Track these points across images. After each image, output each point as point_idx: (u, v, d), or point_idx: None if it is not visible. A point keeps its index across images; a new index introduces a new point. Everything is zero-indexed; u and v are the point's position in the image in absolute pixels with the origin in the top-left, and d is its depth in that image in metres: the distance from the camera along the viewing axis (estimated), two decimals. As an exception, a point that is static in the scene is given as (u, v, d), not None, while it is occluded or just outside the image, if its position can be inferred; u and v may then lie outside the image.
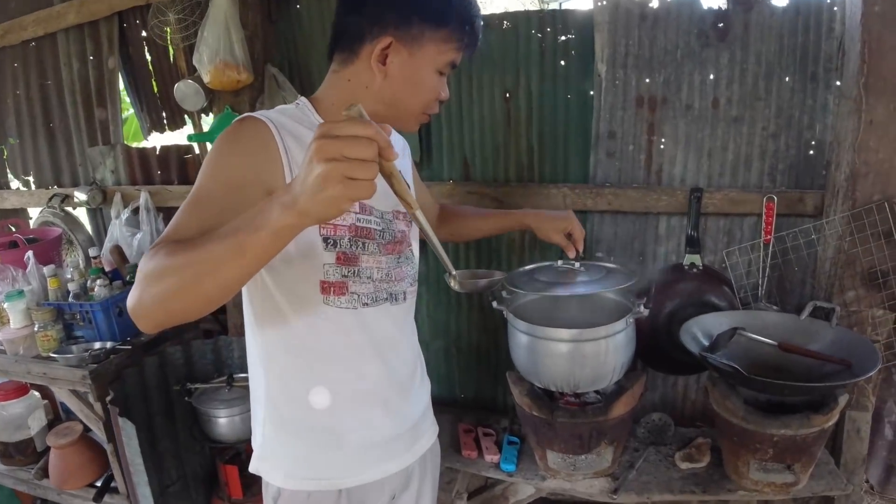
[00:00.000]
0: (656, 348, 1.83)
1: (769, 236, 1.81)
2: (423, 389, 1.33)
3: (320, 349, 1.11)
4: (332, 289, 1.07)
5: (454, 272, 1.02)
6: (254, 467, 1.22)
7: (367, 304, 1.12)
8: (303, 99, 1.12)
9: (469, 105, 1.98)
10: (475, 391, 2.28)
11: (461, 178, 2.04)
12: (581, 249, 1.47)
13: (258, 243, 0.74)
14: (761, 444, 1.43)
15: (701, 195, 1.81)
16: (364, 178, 0.67)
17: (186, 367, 2.21)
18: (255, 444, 1.23)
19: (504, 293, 1.56)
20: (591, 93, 1.88)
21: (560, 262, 1.49)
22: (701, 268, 1.83)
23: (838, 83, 1.73)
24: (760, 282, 1.84)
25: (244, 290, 1.12)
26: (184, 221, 0.89)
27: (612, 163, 1.91)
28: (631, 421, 1.60)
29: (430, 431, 1.34)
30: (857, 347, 1.51)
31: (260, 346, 1.15)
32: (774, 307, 1.84)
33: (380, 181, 0.70)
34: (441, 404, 2.29)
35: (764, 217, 1.81)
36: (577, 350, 1.45)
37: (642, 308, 1.45)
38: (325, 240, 1.05)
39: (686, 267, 1.84)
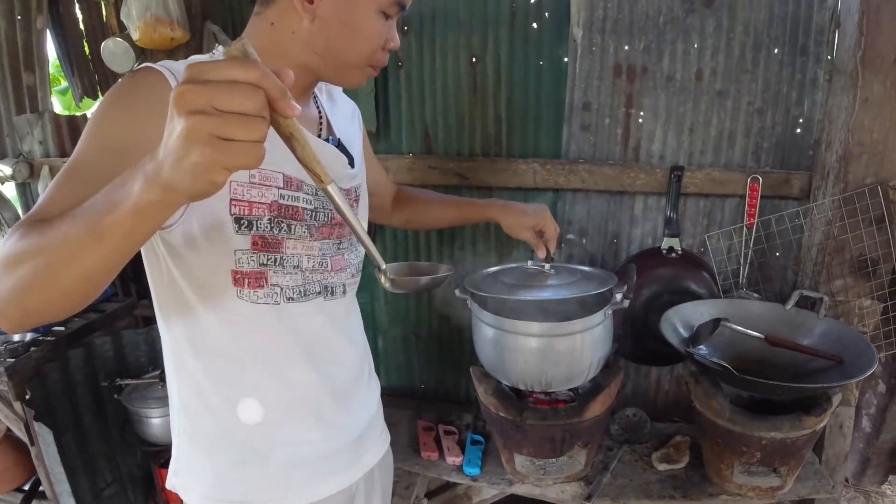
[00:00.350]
0: (631, 338, 1.70)
1: (753, 219, 1.69)
2: (369, 395, 1.15)
3: (235, 352, 0.93)
4: (246, 280, 0.88)
5: (384, 266, 0.84)
6: (170, 483, 1.03)
7: (292, 299, 0.94)
8: (220, 49, 0.92)
9: (431, 70, 1.79)
10: (436, 382, 2.12)
11: (422, 152, 1.86)
12: (553, 250, 1.32)
13: (118, 225, 0.56)
14: (748, 447, 1.31)
15: (682, 174, 1.68)
16: (245, 139, 0.49)
17: (117, 360, 1.99)
18: (172, 456, 1.04)
19: (457, 292, 1.39)
20: (566, 59, 1.72)
21: (530, 263, 1.33)
22: (680, 252, 1.70)
23: (829, 57, 1.61)
24: (742, 268, 1.72)
25: (148, 275, 0.93)
26: (54, 196, 0.69)
27: (586, 137, 1.75)
28: (607, 420, 1.46)
29: (379, 442, 1.17)
30: (848, 341, 1.40)
31: (169, 346, 0.96)
32: (755, 295, 1.72)
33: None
34: (399, 396, 2.15)
35: (747, 199, 1.69)
36: (549, 346, 1.29)
37: (621, 298, 1.30)
38: (238, 220, 0.85)
39: (664, 251, 1.71)
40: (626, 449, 1.59)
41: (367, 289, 2.02)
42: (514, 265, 1.40)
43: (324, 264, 0.97)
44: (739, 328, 1.43)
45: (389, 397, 2.19)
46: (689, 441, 1.56)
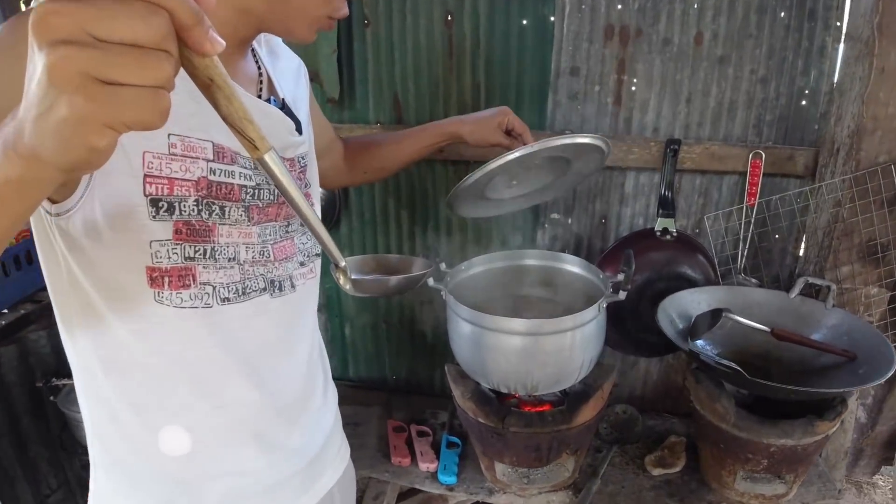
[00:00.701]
0: (619, 328, 1.56)
1: (754, 199, 1.55)
2: (325, 410, 0.99)
3: (156, 368, 0.74)
4: (166, 279, 0.70)
5: (342, 263, 0.67)
6: None
7: (227, 300, 0.75)
8: None
9: (401, 30, 1.58)
10: (409, 374, 1.96)
11: (391, 121, 1.66)
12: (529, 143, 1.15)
13: None
14: (754, 453, 1.18)
15: (678, 148, 1.52)
16: (137, 83, 0.33)
17: (55, 357, 1.78)
18: (90, 490, 0.87)
19: (431, 281, 1.21)
20: (552, 19, 1.53)
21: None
22: (675, 234, 1.55)
23: (838, 24, 1.46)
24: (741, 252, 1.58)
25: (44, 273, 0.74)
26: None
27: (573, 106, 1.58)
28: (597, 424, 1.31)
29: (337, 460, 1.01)
30: (860, 335, 1.28)
31: (75, 361, 0.78)
32: (754, 281, 1.59)
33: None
34: (368, 389, 1.99)
35: (748, 176, 1.55)
36: (535, 345, 1.13)
37: (618, 291, 1.15)
38: (155, 203, 0.66)
39: (658, 233, 1.56)
40: (616, 450, 1.46)
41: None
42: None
43: (265, 254, 0.79)
44: (744, 321, 1.29)
45: (357, 391, 2.05)
46: (684, 442, 1.43)
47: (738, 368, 1.08)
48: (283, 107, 0.84)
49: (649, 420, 1.59)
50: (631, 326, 1.57)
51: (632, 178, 1.63)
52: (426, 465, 1.42)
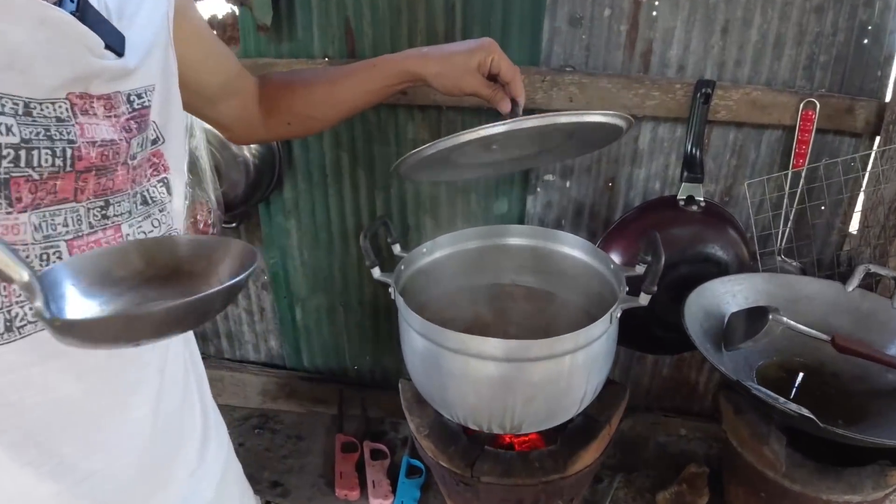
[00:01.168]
0: (628, 321, 1.23)
1: (803, 161, 1.21)
2: (203, 473, 0.70)
3: None
4: None
5: (24, 276, 0.34)
6: None
7: None
8: None
9: (352, -68, 1.19)
10: (372, 365, 1.65)
11: (341, 54, 1.28)
12: (521, 96, 0.86)
13: None
14: (808, 511, 0.88)
15: (712, 92, 1.17)
16: None
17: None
18: None
19: (376, 272, 0.88)
20: (551, -84, 1.14)
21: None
22: (702, 204, 1.21)
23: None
24: (782, 229, 1.25)
25: None
26: None
27: (576, 34, 1.21)
28: (601, 464, 1.00)
29: None
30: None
31: None
32: (795, 263, 1.27)
33: None
34: (322, 381, 1.68)
35: (798, 132, 1.20)
36: (517, 374, 0.80)
37: (638, 292, 0.82)
38: None
39: (681, 202, 1.21)
40: (620, 480, 1.16)
41: (279, 245, 1.51)
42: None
43: (54, 256, 0.47)
44: (799, 326, 0.96)
45: (312, 384, 1.73)
46: (707, 474, 1.12)
47: (812, 417, 0.76)
48: (83, 7, 0.48)
49: (659, 436, 1.28)
50: (641, 319, 1.24)
51: (648, 131, 1.27)
52: (379, 501, 1.12)
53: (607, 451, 0.95)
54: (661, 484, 1.14)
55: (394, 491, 1.12)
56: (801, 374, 1.08)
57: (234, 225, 1.48)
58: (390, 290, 0.88)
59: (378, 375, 1.65)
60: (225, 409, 1.46)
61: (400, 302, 0.83)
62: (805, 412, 0.76)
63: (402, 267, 0.95)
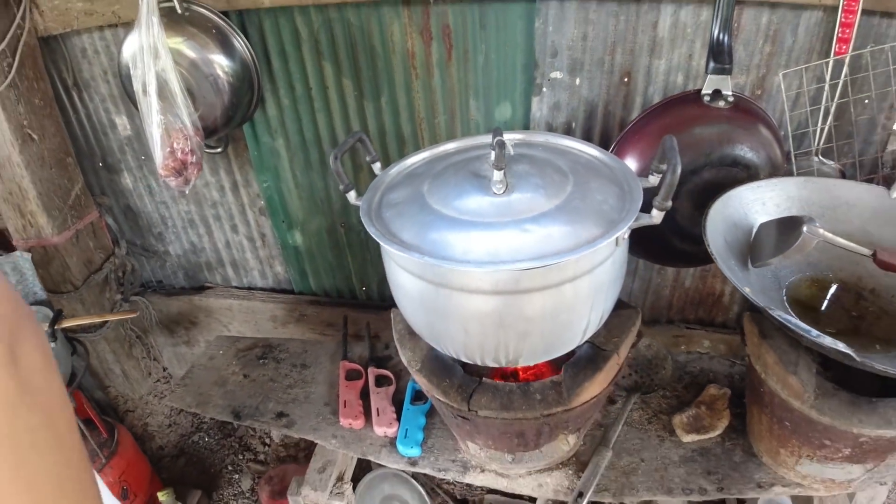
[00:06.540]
0: (646, 231, 1.12)
1: (846, 47, 1.04)
2: None
3: None
4: None
5: None
6: None
7: None
8: None
9: None
10: (380, 285, 1.59)
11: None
12: None
13: None
14: (835, 440, 0.81)
15: (743, -34, 0.99)
16: None
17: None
18: None
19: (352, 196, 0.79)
20: None
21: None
22: (731, 99, 1.06)
23: None
24: (820, 126, 1.10)
25: None
26: None
27: None
28: (607, 395, 0.92)
29: None
30: None
31: None
32: (833, 164, 1.13)
33: None
34: (332, 305, 1.64)
35: (841, 13, 1.02)
36: (512, 307, 0.72)
37: (651, 208, 0.71)
38: None
39: (707, 97, 1.06)
40: (636, 401, 1.09)
41: (269, 168, 1.42)
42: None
43: None
44: (838, 239, 0.85)
45: (318, 308, 1.70)
46: (728, 395, 1.05)
47: (850, 352, 0.66)
48: None
49: (679, 354, 1.20)
50: (661, 229, 1.13)
51: (668, 15, 1.11)
52: (383, 429, 1.08)
53: (616, 380, 0.88)
54: (679, 406, 1.07)
55: (399, 418, 1.08)
56: (833, 287, 0.97)
57: (219, 150, 1.38)
58: (367, 225, 0.78)
59: (387, 295, 1.60)
60: (228, 341, 1.44)
61: (382, 238, 0.74)
62: (841, 347, 0.66)
63: (375, 187, 0.84)
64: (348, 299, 1.64)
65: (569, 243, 0.69)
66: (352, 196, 0.83)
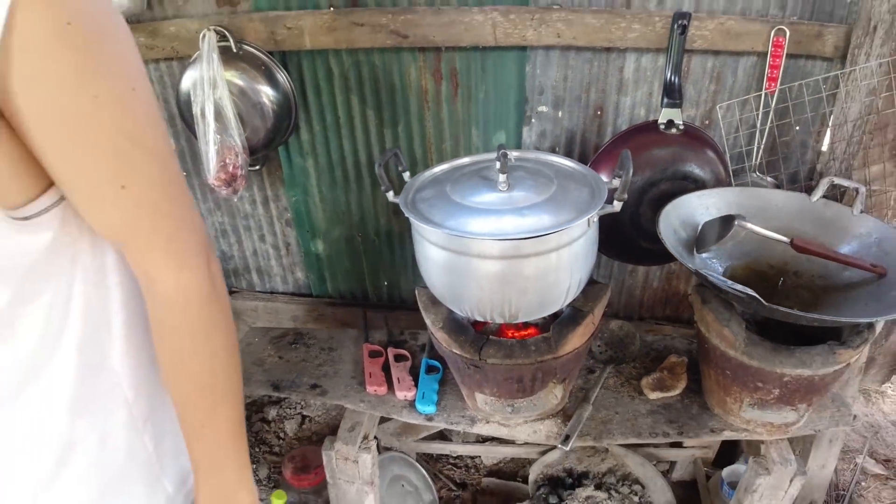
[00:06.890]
0: (617, 234, 1.38)
1: (775, 84, 1.32)
2: None
3: None
4: None
5: None
6: None
7: None
8: None
9: None
10: (390, 289, 1.82)
11: (345, 4, 1.40)
12: None
13: None
14: (765, 382, 1.05)
15: (688, 24, 1.28)
16: None
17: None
18: None
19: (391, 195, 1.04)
20: None
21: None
22: (682, 127, 1.34)
23: None
24: (756, 146, 1.38)
25: None
26: None
27: (558, -29, 1.32)
28: (588, 349, 1.17)
29: None
30: (891, 245, 1.10)
31: None
32: (769, 179, 1.40)
33: None
34: (346, 305, 1.86)
35: (769, 58, 1.31)
36: (513, 269, 0.97)
37: (612, 200, 0.97)
38: None
39: (662, 126, 1.35)
40: (610, 371, 1.34)
41: (299, 184, 1.66)
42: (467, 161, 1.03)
43: None
44: (760, 229, 1.11)
45: (336, 308, 1.93)
46: (685, 362, 1.30)
47: (755, 295, 0.92)
48: None
49: (647, 335, 1.45)
50: (630, 233, 1.40)
51: (632, 62, 1.39)
52: (403, 394, 1.30)
53: (593, 337, 1.12)
54: (646, 372, 1.32)
55: (416, 385, 1.31)
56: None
57: (257, 168, 1.62)
58: (403, 208, 1.03)
59: (396, 297, 1.83)
60: (261, 331, 1.65)
61: (415, 220, 1.00)
62: (750, 291, 0.92)
63: (409, 187, 1.10)
64: (361, 300, 1.87)
65: (554, 223, 0.94)
66: (390, 195, 1.08)
